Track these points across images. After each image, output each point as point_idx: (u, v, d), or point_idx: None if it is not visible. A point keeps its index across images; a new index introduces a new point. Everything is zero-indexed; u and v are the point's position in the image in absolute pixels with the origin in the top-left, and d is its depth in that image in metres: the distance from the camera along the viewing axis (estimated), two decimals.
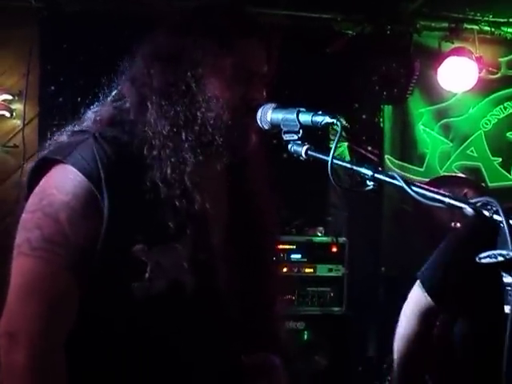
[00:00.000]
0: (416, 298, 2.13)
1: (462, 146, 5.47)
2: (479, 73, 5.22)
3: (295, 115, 1.55)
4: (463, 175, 5.21)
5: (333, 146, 1.45)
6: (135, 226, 1.52)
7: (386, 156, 5.36)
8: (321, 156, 1.49)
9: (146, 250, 1.51)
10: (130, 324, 1.55)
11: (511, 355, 1.14)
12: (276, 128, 1.61)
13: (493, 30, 5.25)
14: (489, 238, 1.51)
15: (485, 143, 5.48)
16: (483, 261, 1.13)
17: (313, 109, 1.56)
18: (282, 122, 1.58)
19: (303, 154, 1.53)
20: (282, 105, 1.62)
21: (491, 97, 5.48)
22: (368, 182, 1.42)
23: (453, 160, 5.45)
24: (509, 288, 1.08)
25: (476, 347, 2.13)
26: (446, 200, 1.28)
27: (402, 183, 1.36)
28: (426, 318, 2.14)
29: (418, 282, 2.12)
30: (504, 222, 1.16)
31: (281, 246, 4.61)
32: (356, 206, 5.02)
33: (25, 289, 1.51)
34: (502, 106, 5.49)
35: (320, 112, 1.53)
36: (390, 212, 5.28)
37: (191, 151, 1.58)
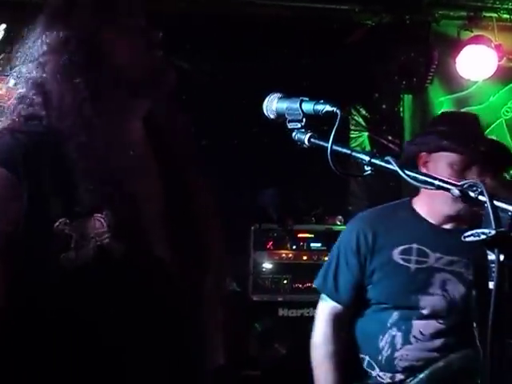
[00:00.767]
0: None
1: None
2: (499, 61, 5.21)
3: (298, 104, 1.62)
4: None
5: (332, 133, 1.53)
6: (55, 203, 1.55)
7: None
8: (321, 143, 1.57)
9: (68, 223, 1.54)
10: (63, 302, 1.57)
11: (495, 330, 1.20)
12: (281, 117, 1.66)
13: None
14: None
15: (506, 131, 5.48)
16: (467, 239, 1.20)
17: (329, 99, 1.59)
18: (286, 111, 1.64)
19: (306, 142, 1.60)
20: (287, 95, 1.69)
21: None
22: (366, 167, 1.50)
23: None
24: (492, 265, 1.12)
25: None
26: (436, 182, 1.36)
27: (395, 167, 1.43)
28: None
29: None
30: (488, 202, 1.24)
31: (300, 235, 4.69)
32: (376, 195, 5.03)
33: None
34: None
35: (321, 101, 1.59)
36: None
37: (105, 111, 1.62)
